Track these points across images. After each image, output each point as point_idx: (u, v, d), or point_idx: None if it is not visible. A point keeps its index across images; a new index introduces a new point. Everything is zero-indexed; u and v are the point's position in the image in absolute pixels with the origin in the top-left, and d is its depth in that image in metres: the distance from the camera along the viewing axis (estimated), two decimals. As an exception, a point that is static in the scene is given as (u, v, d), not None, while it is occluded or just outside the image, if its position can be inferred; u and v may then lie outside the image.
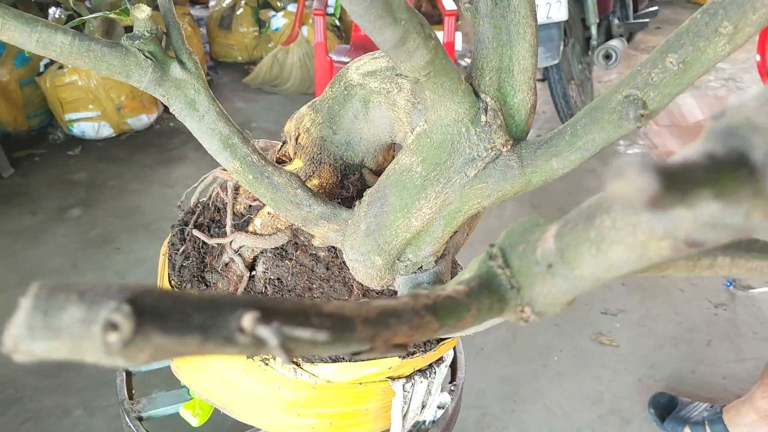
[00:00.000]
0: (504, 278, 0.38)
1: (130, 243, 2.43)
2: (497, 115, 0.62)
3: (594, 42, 3.11)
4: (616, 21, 3.34)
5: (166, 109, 2.93)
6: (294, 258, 0.85)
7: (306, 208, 0.74)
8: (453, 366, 1.11)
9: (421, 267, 0.76)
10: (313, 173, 0.82)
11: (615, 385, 1.90)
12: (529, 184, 0.64)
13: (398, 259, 0.74)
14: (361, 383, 0.83)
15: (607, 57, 3.00)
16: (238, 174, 0.76)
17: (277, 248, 0.86)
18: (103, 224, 2.55)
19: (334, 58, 2.95)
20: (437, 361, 0.91)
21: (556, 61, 2.75)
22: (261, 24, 4.17)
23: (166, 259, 0.93)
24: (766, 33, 2.11)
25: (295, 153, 0.83)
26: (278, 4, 4.04)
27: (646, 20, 3.40)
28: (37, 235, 2.48)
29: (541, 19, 2.70)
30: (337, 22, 3.87)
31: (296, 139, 0.83)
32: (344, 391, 0.83)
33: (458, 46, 3.51)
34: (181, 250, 0.92)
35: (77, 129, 3.13)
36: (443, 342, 0.87)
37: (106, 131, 3.16)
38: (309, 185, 0.80)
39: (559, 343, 2.04)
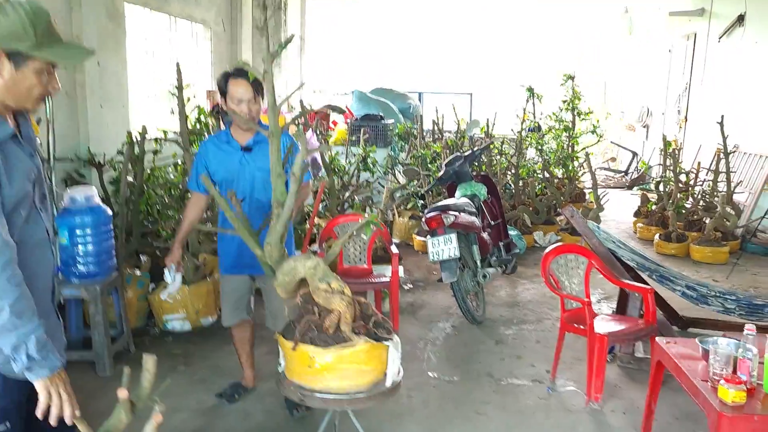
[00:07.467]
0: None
1: (220, 380, 4.28)
2: None
3: (479, 270, 5.40)
4: (493, 258, 5.70)
5: (220, 316, 4.91)
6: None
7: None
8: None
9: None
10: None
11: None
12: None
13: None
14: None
15: (484, 277, 5.27)
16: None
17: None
18: (201, 374, 4.41)
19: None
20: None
21: (454, 279, 4.96)
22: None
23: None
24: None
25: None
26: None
27: (510, 257, 5.78)
28: (162, 379, 4.29)
29: (446, 256, 4.95)
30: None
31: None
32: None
33: (402, 273, 5.77)
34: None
35: (170, 325, 5.08)
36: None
37: (187, 326, 5.12)
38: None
39: None
